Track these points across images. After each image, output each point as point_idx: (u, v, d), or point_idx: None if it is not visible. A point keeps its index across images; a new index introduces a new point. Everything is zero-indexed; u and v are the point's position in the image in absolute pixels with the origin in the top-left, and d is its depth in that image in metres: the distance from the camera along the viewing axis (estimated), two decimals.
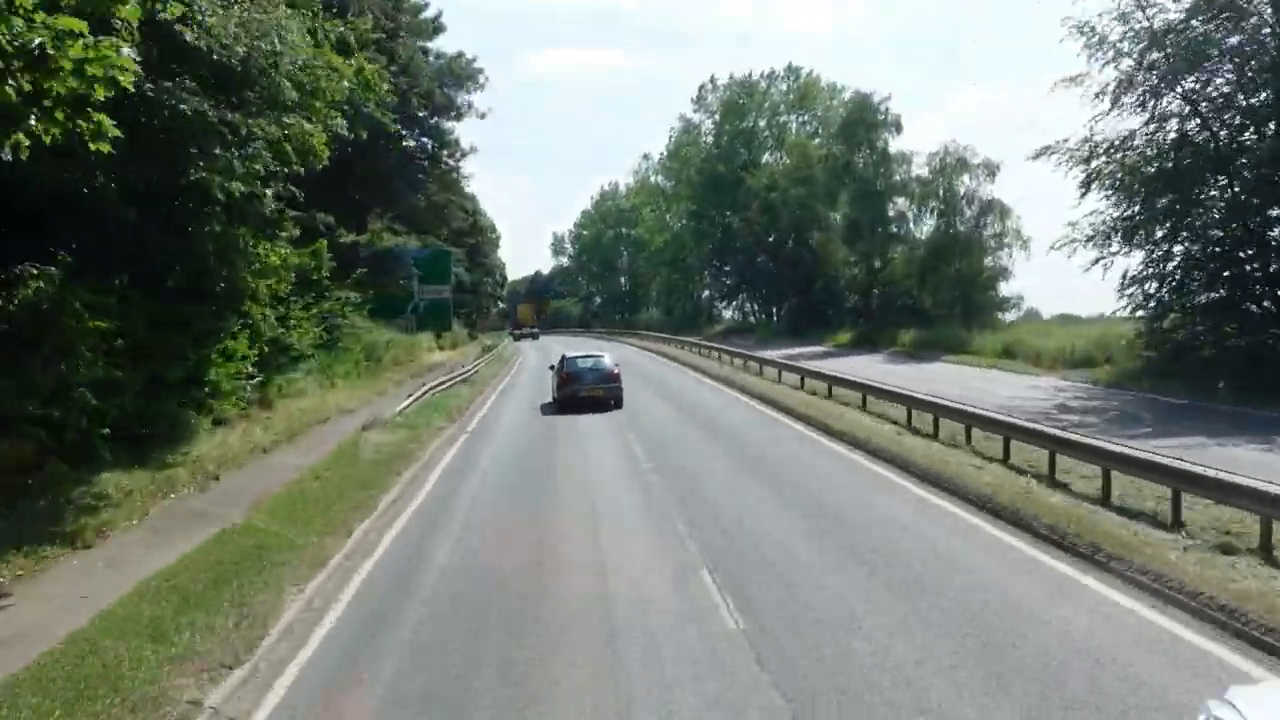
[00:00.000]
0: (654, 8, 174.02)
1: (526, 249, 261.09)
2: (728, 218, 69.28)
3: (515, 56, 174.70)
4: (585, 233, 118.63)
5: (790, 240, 59.50)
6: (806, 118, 71.69)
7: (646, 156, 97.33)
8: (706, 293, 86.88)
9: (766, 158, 71.23)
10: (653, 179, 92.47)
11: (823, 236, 54.72)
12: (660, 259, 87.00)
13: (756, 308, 73.82)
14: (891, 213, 49.13)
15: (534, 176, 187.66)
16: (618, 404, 22.77)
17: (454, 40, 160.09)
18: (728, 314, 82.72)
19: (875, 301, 51.45)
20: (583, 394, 22.85)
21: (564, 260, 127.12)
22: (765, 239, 61.94)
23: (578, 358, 24.86)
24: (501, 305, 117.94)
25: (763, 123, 73.41)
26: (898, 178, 48.71)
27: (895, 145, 49.39)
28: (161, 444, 14.12)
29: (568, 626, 7.42)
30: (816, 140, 63.15)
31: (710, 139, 75.97)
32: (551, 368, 25.69)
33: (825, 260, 54.61)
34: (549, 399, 24.36)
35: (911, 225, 49.24)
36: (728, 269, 75.57)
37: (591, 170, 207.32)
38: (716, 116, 75.50)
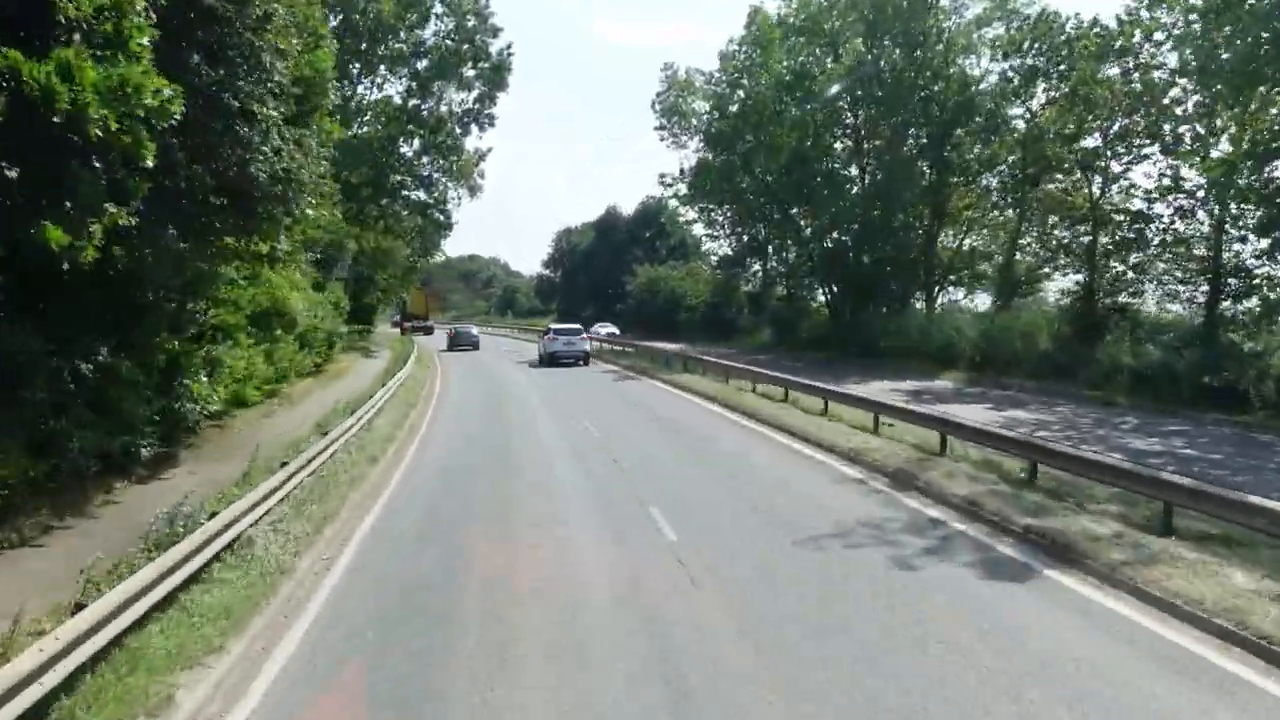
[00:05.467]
0: None
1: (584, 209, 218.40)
2: None
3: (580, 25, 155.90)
4: (746, 84, 43.98)
5: None
6: None
7: None
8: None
9: None
10: None
11: None
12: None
13: None
14: None
15: (594, 145, 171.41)
16: (476, 347, 48.95)
17: None
18: None
19: None
20: (459, 345, 48.94)
21: (693, 153, 49.76)
22: None
23: (458, 328, 53.18)
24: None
25: None
26: None
27: None
28: None
29: None
30: None
31: None
32: (448, 335, 51.81)
33: None
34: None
35: None
36: None
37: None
38: None
